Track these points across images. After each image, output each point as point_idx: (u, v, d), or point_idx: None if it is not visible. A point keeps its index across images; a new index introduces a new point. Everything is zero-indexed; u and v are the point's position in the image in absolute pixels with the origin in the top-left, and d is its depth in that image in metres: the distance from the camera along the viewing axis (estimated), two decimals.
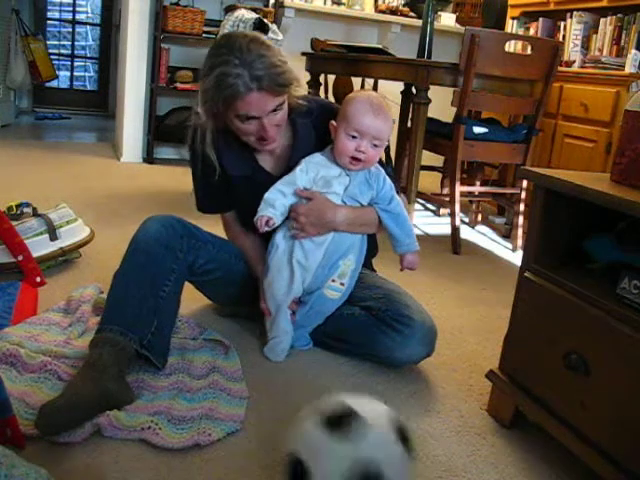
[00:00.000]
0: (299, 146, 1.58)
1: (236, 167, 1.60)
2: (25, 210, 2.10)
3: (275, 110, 1.46)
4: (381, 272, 1.83)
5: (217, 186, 1.62)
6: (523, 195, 2.99)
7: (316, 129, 1.60)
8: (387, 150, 3.80)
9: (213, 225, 1.72)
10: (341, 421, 0.92)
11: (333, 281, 1.56)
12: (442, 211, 3.58)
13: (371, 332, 1.57)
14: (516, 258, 2.85)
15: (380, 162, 1.64)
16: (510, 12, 4.12)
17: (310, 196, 1.52)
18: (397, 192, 1.63)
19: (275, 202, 1.51)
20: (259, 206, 1.52)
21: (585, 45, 3.52)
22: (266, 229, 1.50)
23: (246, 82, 1.39)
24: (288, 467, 0.95)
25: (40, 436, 1.17)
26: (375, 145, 1.50)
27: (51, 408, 1.16)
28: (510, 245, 3.07)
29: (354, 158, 1.49)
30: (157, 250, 1.46)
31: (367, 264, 1.77)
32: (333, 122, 1.53)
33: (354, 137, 1.48)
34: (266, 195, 1.52)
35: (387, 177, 1.56)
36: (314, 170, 1.53)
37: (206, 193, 1.68)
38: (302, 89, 1.58)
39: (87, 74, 6.83)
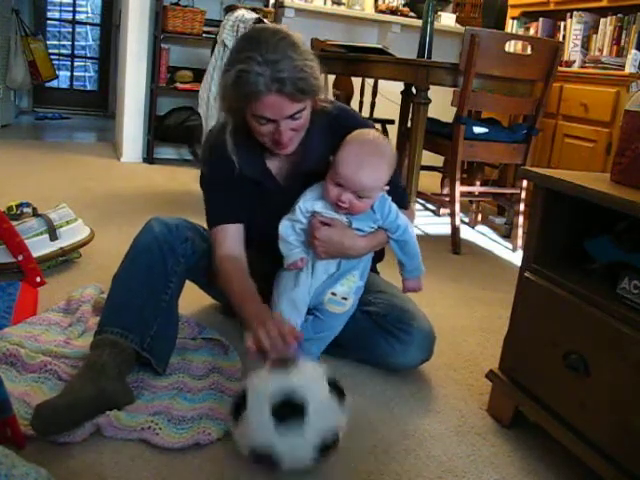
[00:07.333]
0: (309, 154, 1.49)
1: (245, 167, 1.50)
2: (25, 210, 2.10)
3: (293, 116, 1.36)
4: (383, 273, 1.83)
5: (230, 193, 1.52)
6: (523, 195, 2.99)
7: (332, 135, 1.46)
8: None
9: None
10: (283, 365, 1.15)
11: (333, 294, 1.49)
12: (442, 211, 3.58)
13: (370, 337, 1.57)
14: (516, 258, 2.85)
15: (393, 183, 1.48)
16: (510, 12, 4.12)
17: (330, 222, 1.42)
18: (405, 206, 1.57)
19: (289, 237, 1.44)
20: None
21: (585, 45, 3.52)
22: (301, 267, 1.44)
23: (266, 82, 1.29)
24: (234, 399, 1.17)
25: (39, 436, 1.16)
26: (360, 197, 1.38)
27: (47, 408, 1.15)
28: (510, 245, 3.07)
29: (337, 204, 1.40)
30: (159, 253, 1.44)
31: (371, 267, 1.76)
32: (332, 157, 1.40)
33: (338, 184, 1.37)
34: (280, 230, 1.44)
35: (392, 205, 1.46)
36: (311, 203, 1.45)
37: (219, 202, 1.55)
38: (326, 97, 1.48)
39: (87, 74, 6.83)
